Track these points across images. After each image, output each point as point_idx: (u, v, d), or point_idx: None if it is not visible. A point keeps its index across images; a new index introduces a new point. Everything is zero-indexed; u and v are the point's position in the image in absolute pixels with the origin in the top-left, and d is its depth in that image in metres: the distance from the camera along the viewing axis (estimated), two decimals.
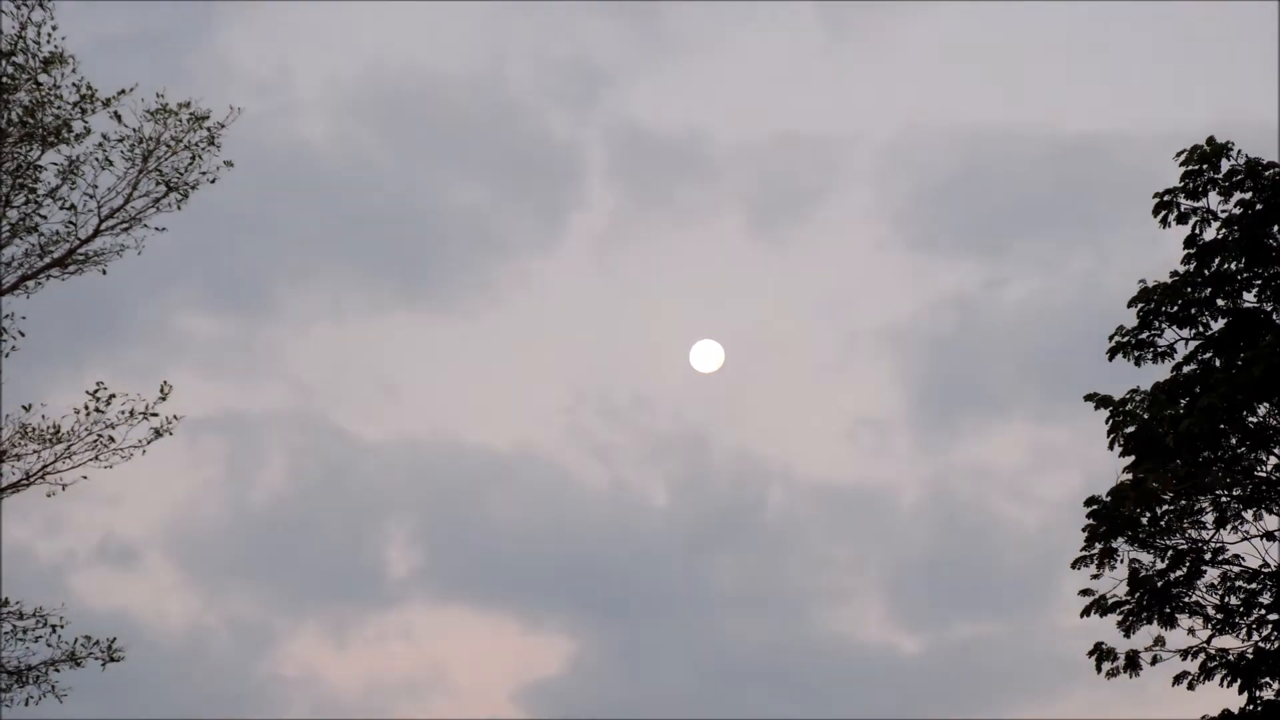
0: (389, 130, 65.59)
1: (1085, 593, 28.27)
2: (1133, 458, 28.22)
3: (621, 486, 62.87)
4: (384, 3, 62.15)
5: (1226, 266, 28.05)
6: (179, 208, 26.77)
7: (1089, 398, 28.64)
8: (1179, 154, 28.34)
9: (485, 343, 64.50)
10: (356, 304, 64.85)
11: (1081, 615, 28.18)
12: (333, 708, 54.77)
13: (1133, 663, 28.01)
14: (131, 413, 26.11)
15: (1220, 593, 28.18)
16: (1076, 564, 28.27)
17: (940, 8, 63.15)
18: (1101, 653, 28.13)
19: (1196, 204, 28.40)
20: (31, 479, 25.81)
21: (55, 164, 26.16)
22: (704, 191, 65.93)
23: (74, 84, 25.99)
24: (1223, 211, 28.19)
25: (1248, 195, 27.98)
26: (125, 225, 26.52)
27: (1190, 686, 28.02)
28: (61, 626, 25.68)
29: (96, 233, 26.43)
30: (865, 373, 63.47)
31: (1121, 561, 28.14)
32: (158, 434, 26.27)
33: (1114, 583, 28.17)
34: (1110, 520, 27.91)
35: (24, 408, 25.82)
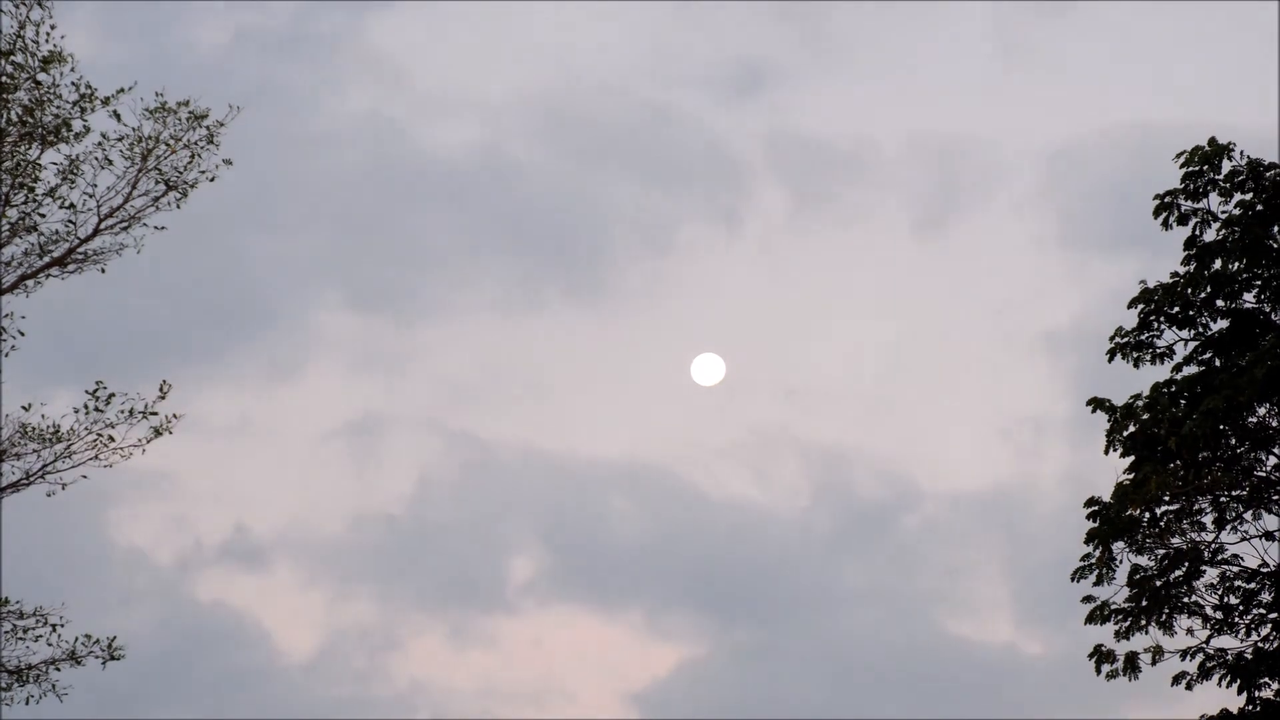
0: (551, 130, 65.29)
1: (1087, 599, 28.23)
2: (1132, 458, 28.21)
3: (763, 489, 62.45)
4: (546, 2, 61.95)
5: (1227, 267, 28.07)
6: (179, 206, 26.72)
7: (1090, 401, 28.62)
8: (1179, 155, 28.36)
9: (638, 345, 64.04)
10: (514, 306, 64.54)
11: (1085, 623, 28.17)
12: (453, 711, 54.81)
13: (1132, 664, 28.00)
14: (131, 412, 26.07)
15: (1219, 592, 28.20)
16: (1076, 575, 28.21)
17: (1107, 8, 62.67)
18: (1101, 654, 28.13)
19: (1197, 205, 28.41)
20: (31, 478, 25.77)
21: (54, 163, 26.13)
22: (867, 194, 65.37)
23: (73, 83, 25.93)
24: (1223, 212, 28.21)
25: (1248, 196, 27.99)
26: (125, 224, 26.48)
27: (1189, 687, 28.05)
28: (61, 626, 25.65)
29: (96, 232, 26.37)
30: (1023, 374, 62.91)
31: (1121, 563, 28.13)
32: (157, 433, 26.23)
33: (1115, 589, 28.17)
34: (1111, 522, 27.89)
35: (24, 407, 25.80)
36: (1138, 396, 28.30)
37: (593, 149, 65.03)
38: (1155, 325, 28.54)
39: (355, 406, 62.28)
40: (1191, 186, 28.35)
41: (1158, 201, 28.54)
